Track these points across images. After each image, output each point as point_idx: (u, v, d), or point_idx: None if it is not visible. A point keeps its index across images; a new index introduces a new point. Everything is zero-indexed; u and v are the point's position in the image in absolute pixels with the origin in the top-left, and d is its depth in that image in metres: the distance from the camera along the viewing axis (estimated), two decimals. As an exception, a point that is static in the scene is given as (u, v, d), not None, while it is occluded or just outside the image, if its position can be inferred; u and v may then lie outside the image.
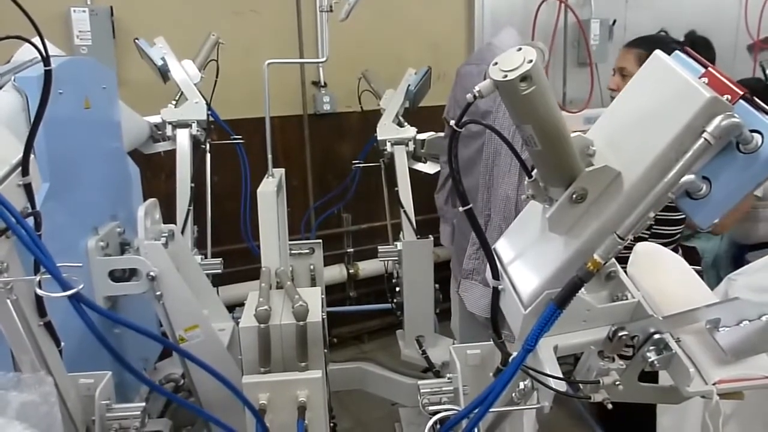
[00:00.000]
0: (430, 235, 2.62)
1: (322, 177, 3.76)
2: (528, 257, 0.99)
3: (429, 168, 2.89)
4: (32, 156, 1.01)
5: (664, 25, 4.82)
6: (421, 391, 1.51)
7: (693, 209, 0.82)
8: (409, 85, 2.84)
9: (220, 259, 2.38)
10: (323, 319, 1.57)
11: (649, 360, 0.93)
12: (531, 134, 0.81)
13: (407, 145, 2.76)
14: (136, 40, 2.46)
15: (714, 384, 0.92)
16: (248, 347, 1.44)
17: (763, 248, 2.83)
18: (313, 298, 1.52)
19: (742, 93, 0.78)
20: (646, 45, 2.15)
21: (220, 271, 2.35)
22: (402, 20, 3.64)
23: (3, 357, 1.10)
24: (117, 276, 1.63)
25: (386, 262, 2.88)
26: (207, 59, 2.58)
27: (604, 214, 0.84)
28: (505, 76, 0.76)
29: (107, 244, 1.66)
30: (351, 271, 3.85)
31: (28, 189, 1.01)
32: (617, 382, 0.91)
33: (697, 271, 3.29)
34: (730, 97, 0.78)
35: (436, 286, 2.67)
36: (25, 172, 0.99)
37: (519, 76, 0.76)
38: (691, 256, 3.37)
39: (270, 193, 1.86)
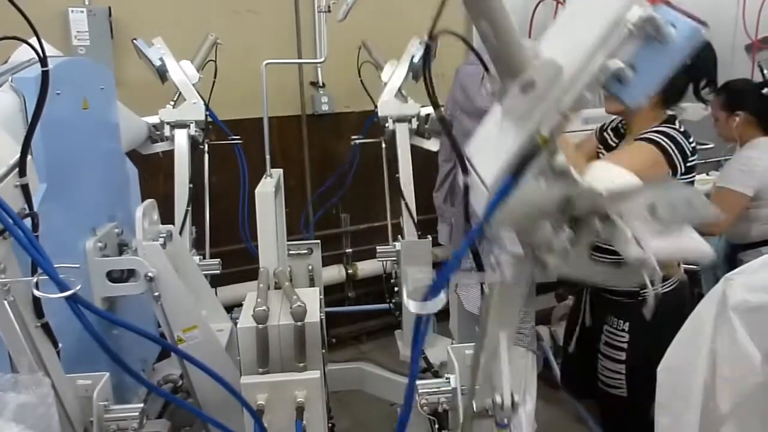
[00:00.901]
0: (429, 236, 2.63)
1: (321, 177, 3.76)
2: (490, 150, 1.13)
3: (432, 145, 2.77)
4: (29, 157, 1.01)
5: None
6: (419, 391, 1.52)
7: (622, 91, 0.97)
8: (413, 56, 2.65)
9: (219, 259, 2.38)
10: (321, 320, 1.57)
11: (595, 230, 1.04)
12: (487, 31, 0.96)
13: (410, 122, 2.56)
14: (134, 41, 2.46)
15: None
16: (246, 348, 1.44)
17: (756, 248, 2.83)
18: (312, 299, 1.52)
19: None
20: None
21: (218, 271, 2.35)
22: (401, 20, 3.63)
23: (0, 358, 1.10)
24: (115, 277, 1.62)
25: (385, 263, 2.88)
26: (205, 60, 2.58)
27: (549, 99, 0.97)
28: None
29: (105, 245, 1.66)
30: (350, 271, 3.85)
31: (25, 190, 1.01)
32: (567, 247, 1.03)
33: (694, 272, 3.34)
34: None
35: (435, 286, 2.67)
36: (22, 173, 0.99)
37: None
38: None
39: (268, 193, 1.86)
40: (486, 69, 1.07)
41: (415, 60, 2.60)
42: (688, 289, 2.23)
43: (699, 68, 2.05)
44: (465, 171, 1.16)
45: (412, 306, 0.95)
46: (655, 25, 0.93)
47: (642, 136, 2.00)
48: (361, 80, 2.98)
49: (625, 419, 2.29)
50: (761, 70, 4.44)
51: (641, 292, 2.08)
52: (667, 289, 2.12)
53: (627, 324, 2.13)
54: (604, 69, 0.95)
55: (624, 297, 2.12)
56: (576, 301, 2.46)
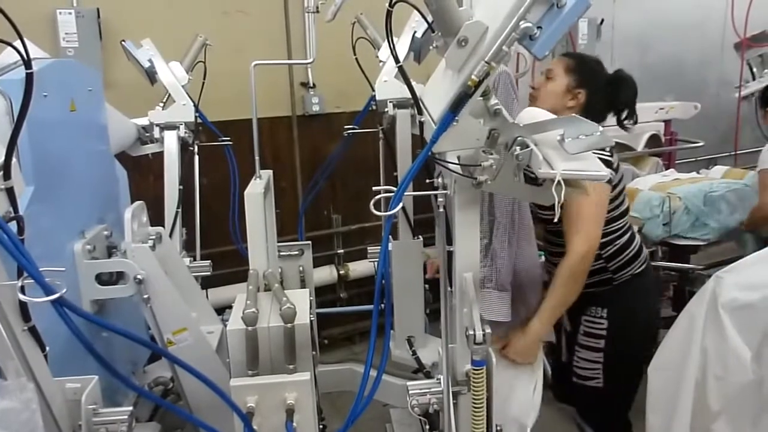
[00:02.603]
0: (420, 236, 2.62)
1: (311, 178, 3.76)
2: (437, 94, 1.38)
3: None
4: (14, 160, 1.00)
5: (651, 24, 4.87)
6: (410, 392, 1.52)
7: (532, 46, 1.22)
8: (415, 32, 2.35)
9: (209, 261, 2.37)
10: (311, 321, 1.56)
11: (515, 154, 1.29)
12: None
13: (412, 107, 2.22)
14: (123, 43, 2.44)
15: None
16: (236, 350, 1.43)
17: None
18: (302, 300, 1.52)
19: None
20: (575, 58, 2.28)
21: (209, 273, 2.34)
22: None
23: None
24: (104, 279, 1.61)
25: (376, 263, 2.87)
26: (194, 61, 2.56)
27: (478, 53, 1.23)
28: None
29: (94, 247, 1.65)
30: (341, 272, 3.85)
31: (10, 193, 1.00)
32: (493, 165, 1.29)
33: (687, 270, 3.35)
34: None
35: (426, 286, 2.66)
36: (6, 176, 0.98)
37: None
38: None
39: (257, 194, 1.85)
40: (432, 30, 1.35)
41: (418, 35, 2.34)
42: (652, 271, 2.39)
43: (620, 101, 2.24)
44: (420, 112, 1.43)
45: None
46: None
47: None
48: (356, 58, 2.72)
49: (602, 410, 2.35)
50: (750, 68, 4.47)
51: (615, 278, 2.22)
52: (637, 270, 2.25)
53: (605, 311, 2.21)
54: (517, 28, 1.20)
55: (600, 285, 2.21)
56: None
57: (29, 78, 0.96)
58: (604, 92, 2.22)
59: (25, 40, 1.02)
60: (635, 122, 2.29)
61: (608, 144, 1.30)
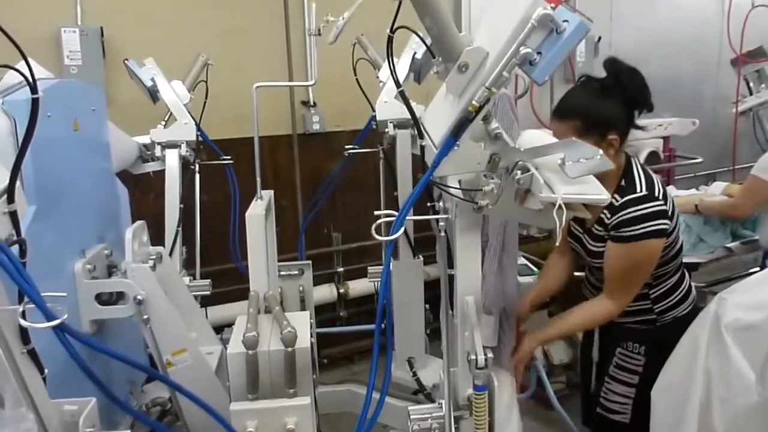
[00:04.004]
0: (420, 256, 2.62)
1: (312, 196, 3.76)
2: (438, 118, 1.40)
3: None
4: (18, 183, 1.00)
5: (648, 41, 4.89)
6: (411, 416, 1.51)
7: (532, 71, 1.23)
8: (414, 53, 2.40)
9: (209, 280, 2.36)
10: (312, 344, 1.55)
11: (516, 178, 1.30)
12: (431, 24, 1.24)
13: (412, 128, 2.26)
14: (126, 62, 2.46)
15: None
16: (236, 373, 1.42)
17: None
18: (302, 323, 1.51)
19: (561, 0, 1.24)
20: (577, 113, 1.93)
21: (208, 292, 2.33)
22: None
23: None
24: (104, 299, 1.61)
25: (376, 283, 2.86)
26: (196, 80, 2.58)
27: (479, 78, 1.24)
28: None
29: (94, 267, 1.64)
30: (341, 290, 3.84)
31: (13, 216, 1.00)
32: (494, 189, 1.31)
33: (699, 289, 3.32)
34: (553, 4, 1.20)
35: (427, 306, 2.66)
36: (10, 200, 0.98)
37: None
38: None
39: (259, 216, 1.85)
40: (433, 55, 1.35)
41: (418, 56, 2.38)
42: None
43: (630, 97, 1.92)
44: (421, 136, 1.43)
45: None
46: (553, 21, 1.20)
47: (632, 232, 1.88)
48: (357, 79, 2.74)
49: None
50: (747, 84, 4.50)
51: (658, 319, 2.07)
52: (682, 313, 2.10)
53: (643, 348, 2.08)
54: (517, 54, 1.21)
55: (642, 324, 2.08)
56: (585, 338, 2.44)
57: (35, 103, 0.96)
58: (624, 108, 1.93)
59: (30, 60, 1.03)
60: (650, 110, 1.97)
61: (607, 168, 1.28)
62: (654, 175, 2.01)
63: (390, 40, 1.35)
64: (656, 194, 1.92)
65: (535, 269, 2.80)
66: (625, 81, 1.91)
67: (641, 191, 1.91)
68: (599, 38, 4.48)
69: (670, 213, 1.93)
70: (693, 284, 2.19)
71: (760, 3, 4.28)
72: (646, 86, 1.93)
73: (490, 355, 1.38)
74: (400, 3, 1.23)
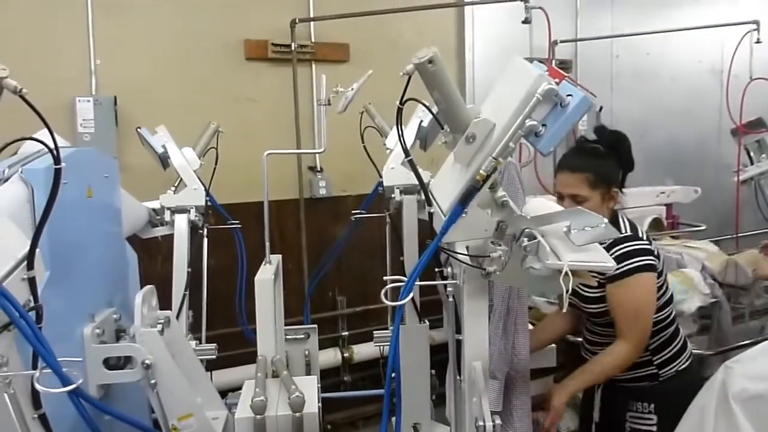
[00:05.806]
0: (426, 320, 2.61)
1: (318, 260, 3.78)
2: (446, 186, 1.45)
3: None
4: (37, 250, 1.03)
5: (648, 110, 5.01)
6: (418, 485, 1.49)
7: (537, 143, 1.28)
8: (420, 121, 2.43)
9: (215, 344, 2.36)
10: (319, 408, 1.55)
11: (523, 245, 1.32)
12: (439, 97, 1.30)
13: (419, 193, 2.29)
14: (139, 129, 2.52)
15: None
16: (243, 438, 1.42)
17: None
18: (310, 388, 1.51)
19: (565, 75, 1.29)
20: (592, 168, 2.16)
21: (214, 356, 2.33)
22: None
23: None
24: (111, 363, 1.61)
25: (381, 347, 2.84)
26: (207, 147, 2.63)
27: (486, 149, 1.29)
28: (420, 60, 1.23)
29: (103, 331, 1.66)
30: (345, 354, 3.81)
31: (32, 282, 1.02)
32: (502, 256, 1.33)
33: (701, 356, 3.30)
34: (557, 79, 1.27)
35: (433, 371, 2.63)
36: (30, 267, 1.00)
37: (426, 60, 1.23)
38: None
39: (267, 281, 1.87)
40: (441, 126, 1.42)
41: (424, 124, 2.42)
42: (696, 368, 2.32)
43: (623, 159, 2.23)
44: (429, 203, 1.48)
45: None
46: (557, 95, 1.25)
47: (623, 268, 2.05)
48: (365, 146, 2.79)
49: None
50: (747, 153, 4.56)
51: (660, 374, 2.16)
52: (682, 367, 2.18)
53: (653, 405, 2.14)
54: (523, 126, 1.26)
55: (645, 382, 2.15)
56: (585, 399, 2.43)
57: (58, 173, 1.00)
58: (618, 167, 2.22)
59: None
60: (632, 169, 2.27)
61: (612, 236, 1.32)
62: (638, 225, 2.23)
63: (399, 111, 1.41)
64: (640, 236, 2.13)
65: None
66: (616, 144, 2.21)
67: (626, 232, 2.13)
68: (601, 107, 4.60)
69: (656, 253, 2.12)
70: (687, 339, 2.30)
71: (758, 76, 4.39)
72: (631, 150, 2.24)
73: (498, 421, 1.37)
74: (409, 78, 1.28)
